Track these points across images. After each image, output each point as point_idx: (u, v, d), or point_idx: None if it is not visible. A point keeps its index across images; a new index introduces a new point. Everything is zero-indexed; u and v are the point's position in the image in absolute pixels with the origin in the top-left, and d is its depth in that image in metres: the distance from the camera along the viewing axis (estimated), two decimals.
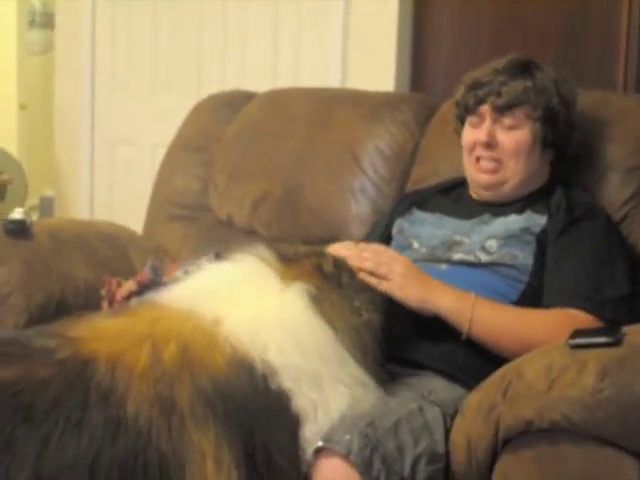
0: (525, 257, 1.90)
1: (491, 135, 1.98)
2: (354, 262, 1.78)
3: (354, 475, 1.50)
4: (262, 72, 3.74)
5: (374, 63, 3.43)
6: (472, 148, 2.03)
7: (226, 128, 2.83)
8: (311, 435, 1.55)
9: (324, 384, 1.58)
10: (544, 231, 1.93)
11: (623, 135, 2.11)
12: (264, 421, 1.52)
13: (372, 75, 3.40)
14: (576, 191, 2.03)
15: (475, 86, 2.02)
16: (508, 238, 1.91)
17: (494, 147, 1.98)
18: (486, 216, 1.99)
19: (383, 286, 1.77)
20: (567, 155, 2.06)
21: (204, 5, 3.94)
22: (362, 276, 1.77)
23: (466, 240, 1.96)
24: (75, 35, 4.35)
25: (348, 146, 2.53)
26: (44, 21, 7.07)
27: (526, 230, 1.93)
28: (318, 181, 2.55)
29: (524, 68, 2.02)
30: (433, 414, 1.65)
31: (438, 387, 1.76)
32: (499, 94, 1.97)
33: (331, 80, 3.49)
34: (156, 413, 1.45)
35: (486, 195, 2.03)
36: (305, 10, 3.64)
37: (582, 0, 3.13)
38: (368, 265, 1.78)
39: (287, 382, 1.55)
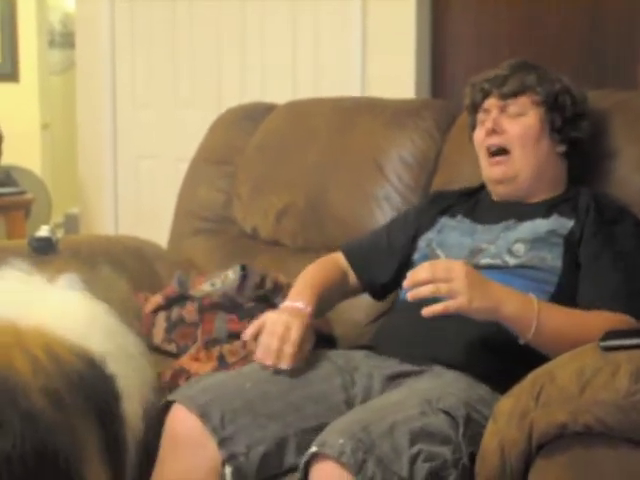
0: (554, 259, 1.89)
1: (497, 123, 2.02)
2: (410, 295, 1.67)
3: (348, 477, 1.51)
4: (282, 83, 3.75)
5: (394, 71, 3.43)
6: (482, 143, 2.06)
7: (248, 140, 2.83)
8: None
9: (130, 363, 1.68)
10: (572, 233, 1.92)
11: None
12: (114, 406, 1.59)
13: (392, 83, 3.40)
14: (603, 194, 2.02)
15: (480, 82, 2.09)
16: (535, 241, 1.91)
17: (500, 134, 2.01)
18: (511, 221, 1.99)
19: (452, 307, 1.64)
20: (580, 149, 2.06)
21: (223, 20, 3.96)
22: (426, 311, 1.65)
23: (492, 247, 1.96)
24: (95, 53, 4.38)
25: (371, 155, 2.53)
26: (64, 41, 7.14)
27: (553, 232, 1.93)
28: (342, 191, 2.55)
29: (527, 65, 2.09)
30: (435, 420, 1.63)
31: (453, 391, 1.73)
32: (503, 84, 2.04)
33: (351, 89, 3.49)
34: None
35: (502, 191, 2.04)
36: (323, 20, 3.65)
37: (600, 5, 3.11)
38: (426, 290, 1.65)
39: (112, 365, 1.61)
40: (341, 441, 1.53)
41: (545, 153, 2.02)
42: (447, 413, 1.65)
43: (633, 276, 1.84)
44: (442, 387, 1.75)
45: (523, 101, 2.02)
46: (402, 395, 1.72)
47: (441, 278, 1.65)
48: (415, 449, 1.56)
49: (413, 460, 1.55)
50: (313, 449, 1.56)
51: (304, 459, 1.58)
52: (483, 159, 2.07)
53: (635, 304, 1.80)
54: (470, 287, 1.65)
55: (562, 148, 2.04)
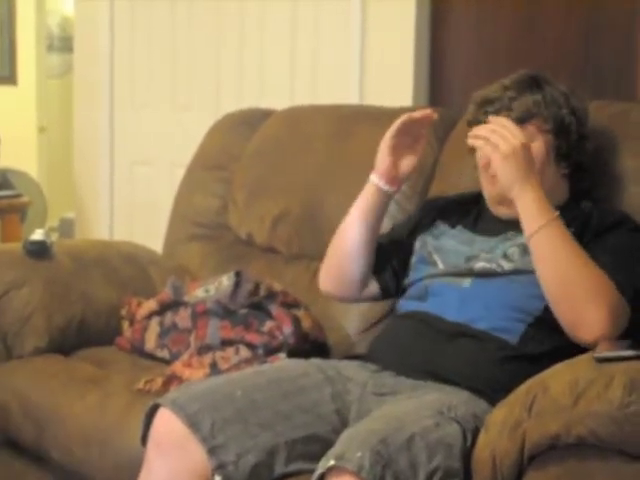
0: None
1: None
2: (469, 142, 1.84)
3: None
4: (280, 87, 3.75)
5: (392, 79, 3.43)
6: (488, 166, 1.98)
7: (245, 146, 2.83)
8: None
9: None
10: None
11: None
12: None
13: (390, 91, 3.40)
14: (603, 204, 2.01)
15: (485, 103, 2.00)
16: None
17: None
18: (510, 233, 1.96)
19: (485, 150, 1.81)
20: (583, 168, 2.04)
21: (221, 25, 3.96)
22: (472, 141, 1.83)
23: (489, 255, 1.95)
24: (93, 58, 4.38)
25: (368, 162, 2.50)
26: (62, 45, 7.15)
27: None
28: (338, 198, 2.53)
29: (532, 82, 2.00)
30: (451, 430, 1.63)
31: (459, 401, 1.74)
32: (510, 109, 1.96)
33: (349, 97, 3.49)
34: None
35: (503, 211, 1.99)
36: (322, 27, 3.65)
37: (599, 12, 3.11)
38: (482, 132, 1.81)
39: None
40: (359, 454, 1.51)
41: (550, 178, 1.97)
42: (459, 423, 1.66)
43: (633, 268, 1.83)
44: (448, 397, 1.75)
45: (530, 129, 1.94)
46: (414, 405, 1.71)
47: (494, 141, 1.79)
48: (433, 465, 1.55)
49: (429, 476, 1.54)
50: (331, 462, 1.52)
51: (318, 471, 1.54)
52: (485, 177, 2.00)
53: (621, 275, 1.79)
54: (514, 151, 1.78)
55: (566, 170, 2.01)
